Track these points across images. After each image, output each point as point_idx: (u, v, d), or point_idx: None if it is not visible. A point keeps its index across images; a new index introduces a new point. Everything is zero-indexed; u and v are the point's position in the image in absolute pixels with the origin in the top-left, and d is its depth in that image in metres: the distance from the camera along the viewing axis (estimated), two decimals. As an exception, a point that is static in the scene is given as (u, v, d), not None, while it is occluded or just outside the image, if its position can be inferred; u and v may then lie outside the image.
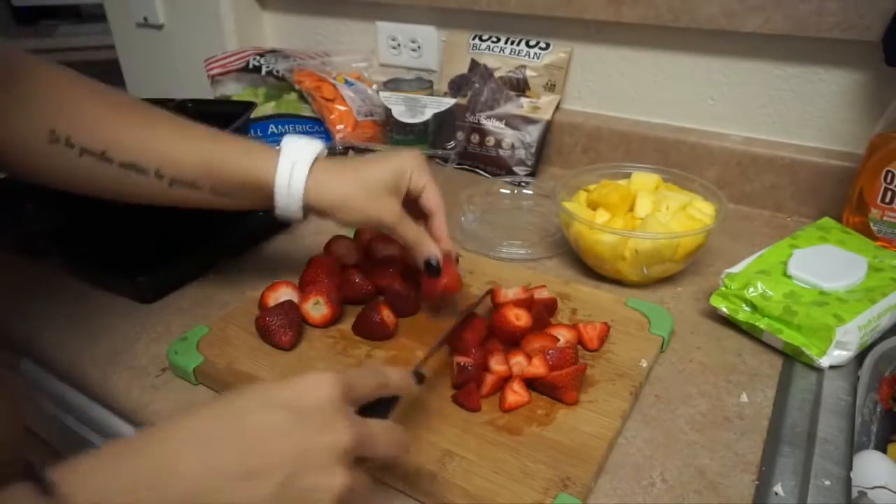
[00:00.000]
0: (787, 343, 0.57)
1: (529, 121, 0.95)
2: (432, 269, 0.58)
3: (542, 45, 0.97)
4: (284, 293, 0.62)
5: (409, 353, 0.58)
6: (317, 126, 1.03)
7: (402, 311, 0.61)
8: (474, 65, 1.02)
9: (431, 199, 0.59)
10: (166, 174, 0.54)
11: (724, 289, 0.62)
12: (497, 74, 0.99)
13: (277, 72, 1.04)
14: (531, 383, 0.52)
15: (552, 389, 0.51)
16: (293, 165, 0.55)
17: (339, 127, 1.00)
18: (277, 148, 0.56)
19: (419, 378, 0.44)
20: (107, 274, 0.70)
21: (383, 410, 0.40)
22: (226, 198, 0.56)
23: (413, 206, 0.59)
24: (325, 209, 0.56)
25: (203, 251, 0.73)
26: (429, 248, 0.58)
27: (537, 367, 0.52)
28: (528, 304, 0.58)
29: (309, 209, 0.57)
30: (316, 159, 0.56)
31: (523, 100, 0.97)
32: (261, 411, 0.33)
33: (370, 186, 0.56)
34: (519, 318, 0.55)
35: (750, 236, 0.80)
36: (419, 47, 1.09)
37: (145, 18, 1.30)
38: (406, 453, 0.39)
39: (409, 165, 0.57)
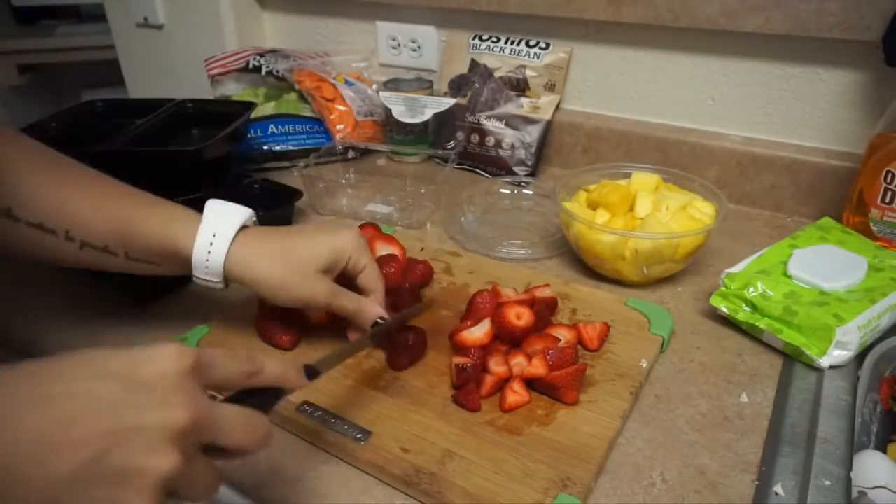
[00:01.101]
0: (787, 343, 0.57)
1: (529, 121, 0.95)
2: (378, 337, 0.55)
3: (542, 45, 0.97)
4: (284, 293, 0.62)
5: (409, 353, 0.58)
6: (317, 126, 1.03)
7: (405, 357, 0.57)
8: (474, 65, 1.02)
9: (371, 279, 0.56)
10: (76, 237, 0.50)
11: (724, 289, 0.62)
12: (497, 74, 0.99)
13: (277, 72, 1.04)
14: (531, 383, 0.52)
15: (552, 389, 0.51)
16: (213, 238, 0.52)
17: (339, 127, 1.00)
18: (199, 213, 0.53)
19: (311, 373, 0.41)
20: (107, 274, 0.69)
21: (261, 404, 0.37)
22: (143, 264, 0.53)
23: (350, 283, 0.56)
24: (247, 285, 0.53)
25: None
26: (371, 313, 0.55)
27: (537, 368, 0.52)
28: (529, 303, 0.58)
29: (231, 281, 0.54)
30: (242, 228, 0.53)
31: (523, 100, 0.97)
32: (85, 379, 0.30)
33: (300, 267, 0.52)
34: (520, 317, 0.55)
35: (750, 236, 0.80)
36: (419, 47, 1.09)
37: (145, 18, 1.30)
38: (265, 447, 0.35)
39: (348, 247, 0.55)
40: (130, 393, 0.30)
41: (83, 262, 0.52)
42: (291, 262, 0.52)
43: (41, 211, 0.50)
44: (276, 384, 0.38)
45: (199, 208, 0.54)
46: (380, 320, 0.55)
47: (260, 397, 0.38)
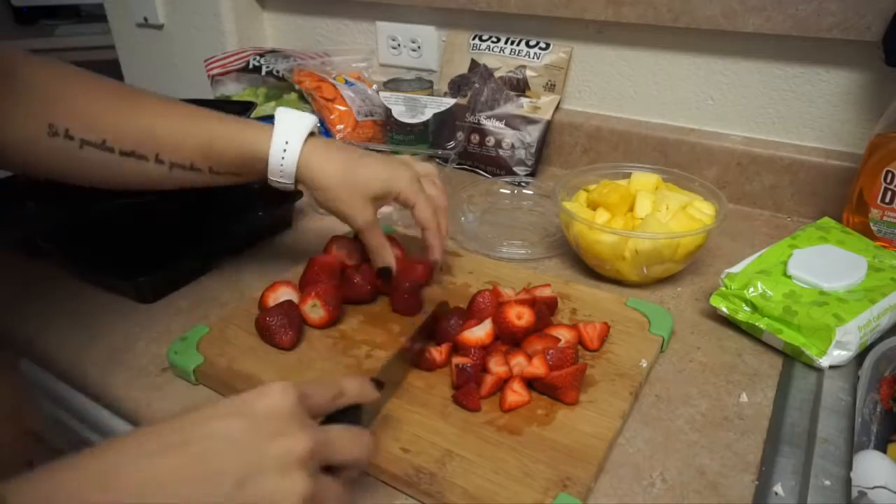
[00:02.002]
0: (787, 343, 0.57)
1: (529, 121, 0.95)
2: (383, 275, 0.62)
3: (542, 45, 0.97)
4: (284, 293, 0.62)
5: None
6: (326, 138, 1.03)
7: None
8: (474, 65, 1.02)
9: (422, 216, 0.61)
10: (166, 159, 0.56)
11: (724, 289, 0.62)
12: (497, 74, 0.99)
13: (277, 72, 1.04)
14: (531, 383, 0.52)
15: (552, 389, 0.51)
16: (286, 145, 0.57)
17: (339, 127, 1.00)
18: (270, 124, 0.58)
19: (378, 385, 0.43)
20: (107, 274, 0.70)
21: (349, 420, 0.40)
22: (226, 176, 0.59)
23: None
24: (310, 187, 0.59)
25: (203, 251, 0.73)
26: (384, 258, 0.61)
27: (537, 367, 0.51)
28: (530, 303, 0.58)
29: (299, 182, 0.59)
30: (311, 134, 0.59)
31: (523, 100, 0.97)
32: (209, 421, 0.33)
33: (354, 185, 0.58)
34: (520, 317, 0.55)
35: (750, 236, 0.80)
36: (419, 47, 1.09)
37: (145, 18, 1.30)
38: (373, 456, 0.39)
39: (400, 184, 0.60)
40: (255, 427, 0.33)
41: (172, 181, 0.57)
42: (349, 181, 0.58)
43: (132, 139, 0.54)
44: (357, 401, 0.41)
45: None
46: (388, 266, 0.61)
47: (348, 416, 0.40)
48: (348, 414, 0.41)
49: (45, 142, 0.52)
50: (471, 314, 0.59)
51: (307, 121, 0.59)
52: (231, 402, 0.34)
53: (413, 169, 0.62)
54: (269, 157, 0.57)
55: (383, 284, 0.63)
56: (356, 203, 0.59)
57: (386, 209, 0.85)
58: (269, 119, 1.01)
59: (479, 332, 0.55)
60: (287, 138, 0.57)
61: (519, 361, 0.53)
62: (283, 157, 0.57)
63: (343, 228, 0.64)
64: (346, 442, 0.37)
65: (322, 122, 1.02)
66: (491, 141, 0.96)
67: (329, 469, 0.36)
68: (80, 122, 0.52)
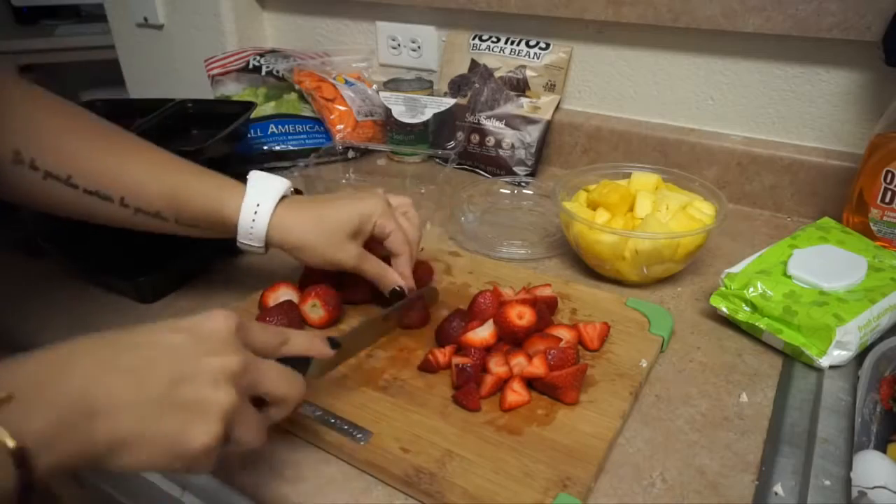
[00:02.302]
0: (787, 343, 0.57)
1: (529, 121, 0.95)
2: (397, 295, 0.60)
3: (542, 45, 0.97)
4: (284, 293, 0.62)
5: (409, 353, 0.58)
6: (317, 126, 1.03)
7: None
8: (474, 65, 1.02)
9: (396, 243, 0.60)
10: (130, 204, 0.55)
11: (724, 289, 0.62)
12: (497, 74, 0.99)
13: (277, 72, 1.04)
14: (531, 383, 0.52)
15: (552, 389, 0.51)
16: (257, 207, 0.56)
17: (339, 127, 1.00)
18: (242, 184, 0.58)
19: (334, 344, 0.47)
20: (107, 274, 0.70)
21: (294, 367, 0.43)
22: (190, 228, 0.58)
23: (380, 246, 0.61)
24: (285, 249, 0.58)
25: (203, 251, 0.73)
26: (392, 279, 0.60)
27: (537, 367, 0.51)
28: (531, 303, 0.58)
29: (270, 246, 0.59)
30: (282, 198, 0.57)
31: (523, 100, 0.97)
32: (159, 332, 0.38)
33: (330, 230, 0.57)
34: (521, 316, 0.55)
35: (750, 236, 0.80)
36: (419, 47, 1.09)
37: (145, 18, 1.30)
38: (299, 397, 0.42)
39: (374, 212, 0.59)
40: (195, 341, 0.38)
41: (136, 225, 0.57)
42: (324, 228, 0.57)
43: (98, 180, 0.54)
44: (304, 353, 0.45)
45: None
46: (397, 288, 0.60)
47: (296, 365, 0.43)
48: (296, 363, 0.44)
49: (9, 168, 0.51)
50: (472, 315, 0.59)
51: (279, 185, 0.58)
52: (181, 321, 0.39)
53: (384, 199, 0.60)
54: (238, 219, 0.56)
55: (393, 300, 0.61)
56: (339, 246, 0.57)
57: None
58: (271, 118, 1.01)
59: (484, 333, 0.55)
60: (258, 200, 0.56)
61: (519, 361, 0.53)
62: (253, 220, 0.56)
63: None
64: (275, 376, 0.41)
65: (322, 122, 1.02)
66: (491, 141, 0.96)
67: (259, 405, 0.40)
68: (47, 154, 0.52)
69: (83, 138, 0.54)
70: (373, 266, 0.60)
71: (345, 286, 0.63)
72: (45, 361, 0.34)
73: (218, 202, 0.56)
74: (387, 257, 0.61)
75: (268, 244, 0.58)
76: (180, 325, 0.39)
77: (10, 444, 0.30)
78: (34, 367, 0.33)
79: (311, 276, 0.63)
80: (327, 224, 0.57)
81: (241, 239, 0.57)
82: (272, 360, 0.42)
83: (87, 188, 0.53)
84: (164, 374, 0.35)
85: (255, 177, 0.58)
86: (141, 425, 0.34)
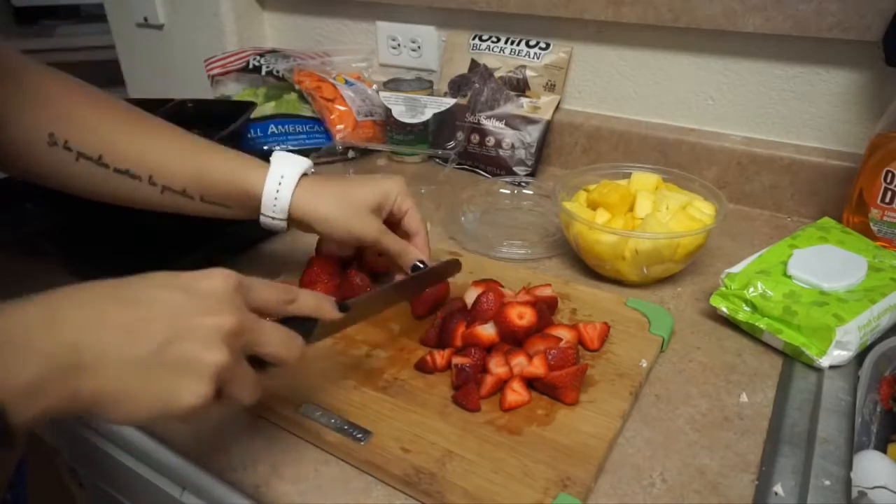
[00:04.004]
0: (787, 343, 0.57)
1: (529, 121, 0.95)
2: (419, 270, 0.61)
3: (542, 45, 0.97)
4: (284, 293, 0.62)
5: (409, 353, 0.58)
6: (317, 126, 1.03)
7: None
8: (474, 65, 1.02)
9: (414, 221, 0.62)
10: (158, 182, 0.56)
11: (724, 289, 0.62)
12: (497, 74, 0.99)
13: (277, 72, 1.04)
14: (531, 383, 0.52)
15: (552, 389, 0.51)
16: (281, 179, 0.57)
17: (339, 127, 1.00)
18: (266, 162, 0.59)
19: (343, 307, 0.46)
20: (107, 274, 0.69)
21: (297, 328, 0.42)
22: (215, 206, 0.59)
23: (397, 227, 0.62)
24: (308, 223, 0.59)
25: (203, 251, 0.73)
26: (413, 254, 0.61)
27: (537, 367, 0.51)
28: (531, 303, 0.58)
29: (293, 222, 0.59)
30: (304, 175, 0.59)
31: (523, 100, 0.97)
32: (155, 288, 0.37)
33: (353, 205, 0.58)
34: (522, 316, 0.55)
35: (750, 236, 0.80)
36: (419, 47, 1.09)
37: (145, 18, 1.30)
38: (296, 359, 0.41)
39: (394, 190, 0.60)
40: (191, 300, 0.37)
41: (164, 204, 0.58)
42: (347, 201, 0.58)
43: (127, 159, 0.55)
44: (311, 314, 0.44)
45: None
46: (419, 263, 0.60)
47: (297, 326, 0.42)
48: (301, 324, 0.43)
49: (44, 149, 0.53)
50: (474, 315, 0.59)
51: (302, 162, 0.59)
52: (179, 276, 0.38)
53: (402, 180, 0.62)
54: (263, 192, 0.57)
55: (416, 299, 0.62)
56: (361, 219, 0.59)
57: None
58: (271, 118, 1.01)
59: (491, 330, 0.56)
60: (282, 173, 0.58)
61: (519, 361, 0.53)
62: (277, 192, 0.57)
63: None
64: (273, 336, 0.40)
65: (322, 121, 1.02)
66: (491, 141, 0.96)
67: (256, 364, 0.40)
68: (79, 135, 0.54)
69: (112, 120, 0.56)
70: (394, 240, 0.60)
71: (345, 286, 0.63)
72: (36, 311, 0.33)
73: (242, 176, 0.58)
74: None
75: (291, 218, 0.59)
76: (178, 283, 0.38)
77: None
78: (23, 317, 0.33)
79: (311, 275, 0.63)
80: (351, 198, 0.58)
81: (265, 212, 0.58)
82: (274, 319, 0.41)
83: (118, 167, 0.55)
84: (157, 333, 0.35)
85: (279, 154, 0.59)
86: (128, 383, 0.34)
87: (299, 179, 0.58)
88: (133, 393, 0.34)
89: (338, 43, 1.19)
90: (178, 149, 0.57)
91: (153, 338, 0.35)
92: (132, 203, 0.58)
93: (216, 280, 0.39)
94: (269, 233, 0.80)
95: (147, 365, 0.34)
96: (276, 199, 0.57)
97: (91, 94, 0.56)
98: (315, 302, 0.45)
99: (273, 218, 0.58)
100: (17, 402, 0.31)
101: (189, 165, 0.57)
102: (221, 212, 0.60)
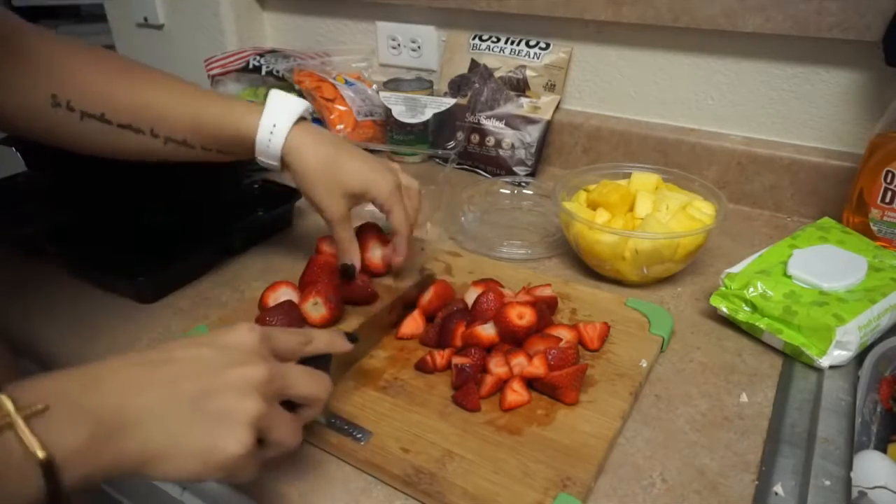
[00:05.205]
0: (787, 343, 0.57)
1: (529, 121, 0.95)
2: (346, 274, 0.61)
3: (542, 45, 0.97)
4: (284, 293, 0.62)
5: (409, 353, 0.58)
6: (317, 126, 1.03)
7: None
8: (474, 65, 1.02)
9: (395, 221, 0.61)
10: (160, 133, 0.58)
11: (724, 289, 0.62)
12: (497, 74, 0.99)
13: (277, 72, 1.04)
14: (531, 383, 0.52)
15: (552, 389, 0.51)
16: (273, 128, 0.59)
17: (339, 127, 1.00)
18: (262, 105, 0.60)
19: (351, 339, 0.47)
20: (107, 274, 0.70)
21: (317, 367, 0.44)
22: (215, 153, 0.61)
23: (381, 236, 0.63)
24: (291, 170, 0.61)
25: (203, 251, 0.73)
26: (350, 256, 0.61)
27: (537, 367, 0.51)
28: (531, 303, 0.58)
29: (284, 167, 0.61)
30: (302, 119, 0.60)
31: (523, 100, 0.97)
32: (183, 348, 0.39)
33: (332, 179, 0.60)
34: (522, 316, 0.55)
35: (750, 236, 0.80)
36: (419, 47, 1.09)
37: (145, 18, 1.30)
38: (327, 395, 0.43)
39: (381, 188, 0.60)
40: (221, 354, 0.38)
41: (167, 155, 0.60)
42: (329, 172, 0.60)
43: (128, 113, 0.57)
44: (326, 350, 0.46)
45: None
46: (349, 264, 0.60)
47: (315, 363, 0.44)
48: (318, 362, 0.44)
49: (48, 112, 0.54)
50: (474, 315, 0.59)
51: (297, 106, 0.60)
52: (205, 336, 0.40)
53: (397, 177, 0.62)
54: (256, 136, 0.59)
55: (343, 281, 0.62)
56: (332, 196, 0.60)
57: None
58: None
59: (490, 330, 0.56)
60: (275, 120, 0.59)
61: (520, 361, 0.53)
62: (269, 139, 0.59)
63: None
64: (302, 378, 0.41)
65: (322, 121, 1.02)
66: (491, 141, 0.96)
67: (290, 407, 0.41)
68: (80, 94, 0.55)
69: (111, 76, 0.57)
70: (345, 233, 0.61)
71: (345, 286, 0.63)
72: (78, 378, 0.34)
73: (237, 122, 0.59)
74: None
75: (283, 162, 0.60)
76: (205, 340, 0.40)
77: (41, 455, 0.30)
78: (67, 383, 0.34)
79: (311, 275, 0.63)
80: (335, 171, 0.59)
81: (259, 156, 0.60)
82: (296, 362, 0.43)
83: (120, 122, 0.56)
84: (192, 387, 0.36)
85: (275, 94, 0.60)
86: (171, 438, 0.35)
87: (294, 125, 0.59)
88: (177, 447, 0.35)
89: (338, 43, 1.19)
90: (177, 98, 0.59)
91: (189, 392, 0.36)
92: (138, 157, 0.59)
93: (242, 333, 0.40)
94: (269, 233, 0.81)
95: (187, 420, 0.35)
96: (268, 145, 0.59)
97: (86, 52, 0.57)
98: (328, 338, 0.46)
99: (266, 162, 0.61)
100: (69, 464, 0.31)
101: (186, 114, 0.58)
102: (221, 157, 0.61)
